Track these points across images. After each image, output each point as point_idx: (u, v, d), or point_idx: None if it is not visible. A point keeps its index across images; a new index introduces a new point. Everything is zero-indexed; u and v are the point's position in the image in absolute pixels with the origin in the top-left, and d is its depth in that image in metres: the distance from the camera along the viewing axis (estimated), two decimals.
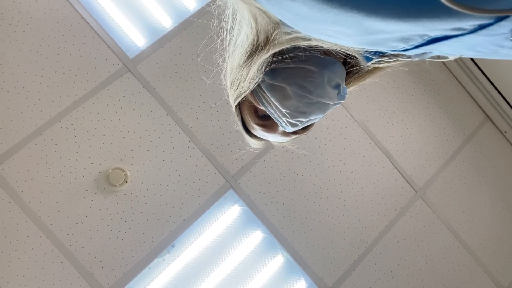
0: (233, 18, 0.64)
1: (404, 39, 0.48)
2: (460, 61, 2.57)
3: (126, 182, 2.03)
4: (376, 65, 0.72)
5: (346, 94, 0.77)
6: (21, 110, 1.99)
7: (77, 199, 2.01)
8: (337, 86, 0.73)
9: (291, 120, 0.74)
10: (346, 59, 0.76)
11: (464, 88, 2.64)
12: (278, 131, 0.80)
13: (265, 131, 0.80)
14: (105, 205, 2.03)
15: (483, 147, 2.63)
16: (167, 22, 2.16)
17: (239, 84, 0.73)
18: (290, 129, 0.77)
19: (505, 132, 2.65)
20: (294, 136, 0.82)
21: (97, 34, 2.10)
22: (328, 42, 0.59)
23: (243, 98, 0.77)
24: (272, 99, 0.72)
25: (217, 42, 0.71)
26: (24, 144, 1.98)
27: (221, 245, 2.13)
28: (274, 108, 0.73)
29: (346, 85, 0.79)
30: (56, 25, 2.07)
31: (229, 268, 2.11)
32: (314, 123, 0.82)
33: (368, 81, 0.79)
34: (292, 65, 0.69)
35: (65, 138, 2.03)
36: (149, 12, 2.16)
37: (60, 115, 2.03)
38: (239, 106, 0.81)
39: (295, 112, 0.72)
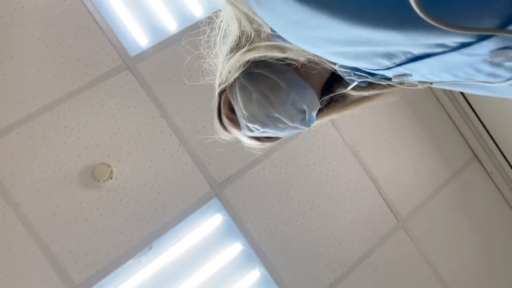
0: (226, 21, 0.68)
1: (388, 55, 0.50)
2: (452, 97, 2.62)
3: (111, 178, 2.01)
4: (361, 94, 0.74)
5: (312, 122, 0.79)
6: (14, 94, 1.98)
7: (59, 190, 1.98)
8: (302, 111, 0.75)
9: (247, 124, 0.78)
10: (329, 87, 0.78)
11: (455, 124, 2.69)
12: (242, 131, 0.83)
13: (232, 126, 0.84)
14: (86, 199, 2.00)
15: (468, 185, 2.66)
16: (172, 26, 2.19)
17: (220, 73, 0.78)
18: (246, 133, 0.81)
19: (491, 172, 2.69)
20: (260, 143, 0.86)
21: (101, 29, 2.11)
22: (308, 54, 0.61)
23: (223, 88, 0.81)
24: (239, 98, 0.77)
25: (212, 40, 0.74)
26: (13, 128, 1.96)
27: (199, 253, 2.11)
28: (239, 107, 0.78)
29: (330, 112, 0.82)
30: (61, 15, 2.07)
31: (203, 277, 2.08)
32: (280, 138, 0.85)
33: (351, 112, 0.82)
34: (267, 74, 0.73)
35: (55, 127, 2.01)
36: (155, 13, 2.17)
37: (53, 104, 2.02)
38: (221, 95, 0.84)
39: (253, 118, 0.76)
